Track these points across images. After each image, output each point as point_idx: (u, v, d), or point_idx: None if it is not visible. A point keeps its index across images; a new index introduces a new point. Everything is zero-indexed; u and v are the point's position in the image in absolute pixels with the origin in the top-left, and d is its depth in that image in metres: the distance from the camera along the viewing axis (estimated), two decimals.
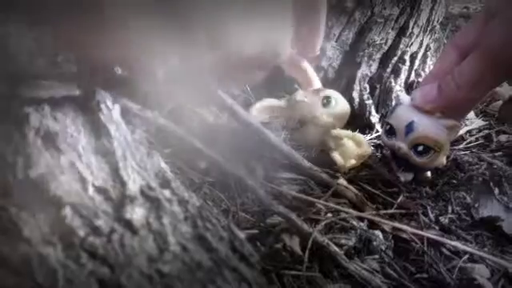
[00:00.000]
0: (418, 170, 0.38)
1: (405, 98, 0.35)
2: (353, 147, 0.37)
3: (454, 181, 0.40)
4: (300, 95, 0.36)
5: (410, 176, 0.38)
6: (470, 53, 0.31)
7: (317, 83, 0.37)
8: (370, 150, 0.38)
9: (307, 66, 0.36)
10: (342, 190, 0.33)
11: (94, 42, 0.18)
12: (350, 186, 0.34)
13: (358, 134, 0.38)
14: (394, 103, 0.37)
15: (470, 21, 0.34)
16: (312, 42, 0.29)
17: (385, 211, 0.33)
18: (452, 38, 0.38)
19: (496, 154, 0.46)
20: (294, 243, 0.25)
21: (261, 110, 0.35)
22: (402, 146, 0.34)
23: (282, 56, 0.22)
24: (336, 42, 0.46)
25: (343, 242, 0.28)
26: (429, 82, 0.35)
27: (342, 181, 0.35)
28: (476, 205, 0.36)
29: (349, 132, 0.37)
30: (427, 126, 0.33)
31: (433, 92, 0.32)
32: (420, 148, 0.34)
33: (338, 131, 0.36)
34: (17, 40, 0.18)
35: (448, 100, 0.31)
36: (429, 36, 0.52)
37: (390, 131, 0.35)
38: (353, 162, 0.36)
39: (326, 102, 0.36)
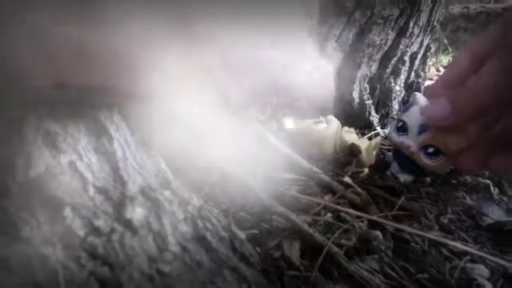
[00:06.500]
0: (420, 174, 0.38)
1: (421, 98, 0.34)
2: (365, 144, 0.40)
3: (453, 181, 0.40)
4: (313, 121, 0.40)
5: (409, 178, 0.38)
6: (485, 61, 0.30)
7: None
8: (378, 139, 0.41)
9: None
10: (347, 192, 0.33)
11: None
12: (356, 186, 0.34)
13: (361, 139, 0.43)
14: (409, 102, 0.36)
15: (488, 28, 0.32)
16: None
17: (389, 212, 0.33)
18: (468, 43, 0.36)
19: None
20: (293, 251, 0.25)
21: (293, 124, 0.39)
22: (412, 144, 0.34)
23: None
24: (336, 42, 0.46)
25: (343, 241, 0.28)
26: (439, 88, 0.33)
27: (348, 179, 0.35)
28: (479, 208, 0.36)
29: (354, 136, 0.42)
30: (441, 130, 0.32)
31: (444, 108, 0.29)
32: (430, 150, 0.33)
33: (353, 137, 0.41)
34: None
35: (462, 115, 0.29)
36: (429, 36, 0.52)
37: (402, 128, 0.35)
38: (374, 153, 0.40)
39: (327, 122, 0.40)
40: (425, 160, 0.34)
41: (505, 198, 0.38)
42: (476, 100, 0.27)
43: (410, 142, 0.34)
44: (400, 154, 0.36)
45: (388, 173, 0.39)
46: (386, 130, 0.51)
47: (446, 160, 0.33)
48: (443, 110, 0.29)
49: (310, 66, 0.22)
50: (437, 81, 0.36)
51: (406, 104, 0.37)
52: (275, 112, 0.34)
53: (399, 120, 0.35)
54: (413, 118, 0.34)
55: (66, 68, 0.18)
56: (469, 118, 0.28)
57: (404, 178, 0.38)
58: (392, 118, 0.53)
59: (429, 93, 0.34)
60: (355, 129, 0.50)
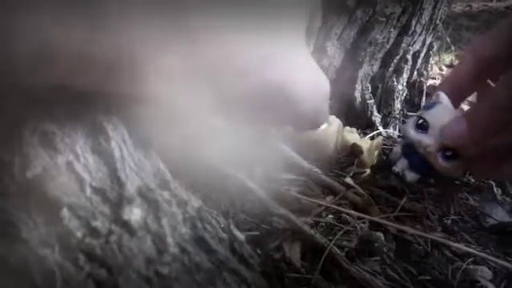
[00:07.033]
0: (428, 174, 0.37)
1: (444, 98, 0.33)
2: (367, 144, 0.41)
3: (456, 181, 0.40)
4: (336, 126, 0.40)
5: (416, 177, 0.37)
6: (489, 63, 0.29)
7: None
8: (380, 139, 0.41)
9: None
10: (348, 193, 0.33)
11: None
12: (357, 187, 0.34)
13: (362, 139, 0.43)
14: (431, 101, 0.35)
15: (492, 30, 0.31)
16: None
17: (391, 213, 0.33)
18: (471, 43, 0.35)
19: None
20: (294, 253, 0.25)
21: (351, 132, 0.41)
22: (431, 144, 0.32)
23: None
24: (337, 40, 0.46)
25: (344, 243, 0.27)
26: (444, 88, 0.33)
27: (350, 180, 0.35)
28: (482, 209, 0.35)
29: (356, 136, 0.42)
30: None
31: (461, 126, 0.29)
32: (449, 153, 0.32)
33: (355, 137, 0.41)
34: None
35: (479, 133, 0.28)
36: (431, 35, 0.52)
37: (422, 126, 0.33)
38: (376, 153, 0.40)
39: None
40: (441, 162, 0.32)
41: (508, 199, 0.37)
42: (493, 117, 0.27)
43: (429, 141, 0.33)
44: (412, 152, 0.35)
45: (395, 169, 0.37)
46: (389, 130, 0.51)
47: (461, 164, 0.33)
48: (460, 129, 0.28)
49: (307, 74, 0.21)
50: (442, 83, 0.35)
51: (426, 102, 0.35)
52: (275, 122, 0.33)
53: (420, 117, 0.34)
54: (435, 117, 0.33)
55: (66, 70, 0.18)
56: (487, 135, 0.28)
57: (411, 176, 0.36)
58: (394, 117, 0.53)
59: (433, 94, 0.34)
60: (357, 128, 0.50)
